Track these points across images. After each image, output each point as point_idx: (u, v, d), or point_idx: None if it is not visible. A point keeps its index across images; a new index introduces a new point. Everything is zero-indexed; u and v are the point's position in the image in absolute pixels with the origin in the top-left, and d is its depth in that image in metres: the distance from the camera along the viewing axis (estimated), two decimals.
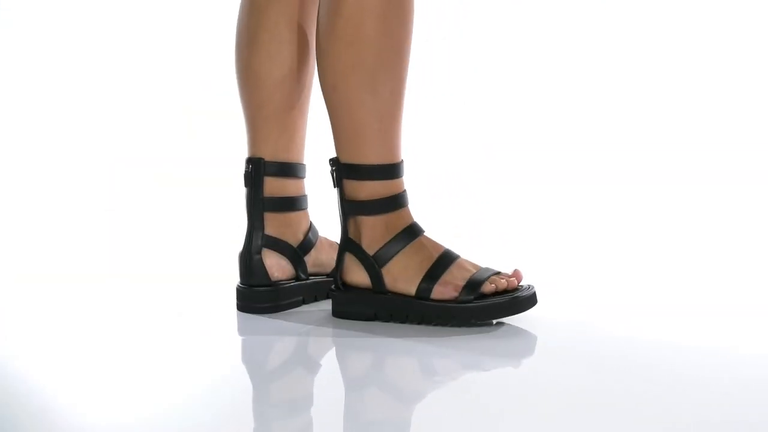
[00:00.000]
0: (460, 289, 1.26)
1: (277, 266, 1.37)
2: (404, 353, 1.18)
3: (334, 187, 1.32)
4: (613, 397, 1.01)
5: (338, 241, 1.35)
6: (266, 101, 1.38)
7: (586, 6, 2.77)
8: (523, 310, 1.26)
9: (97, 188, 2.53)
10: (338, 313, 1.33)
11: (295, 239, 1.39)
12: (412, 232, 1.30)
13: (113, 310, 1.44)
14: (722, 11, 2.69)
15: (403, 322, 1.29)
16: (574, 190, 2.40)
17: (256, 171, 1.37)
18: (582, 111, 2.72)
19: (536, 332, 1.27)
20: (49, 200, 2.44)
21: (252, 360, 1.21)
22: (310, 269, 1.41)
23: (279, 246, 1.37)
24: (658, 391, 1.01)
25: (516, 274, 1.29)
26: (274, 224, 1.38)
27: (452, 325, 1.26)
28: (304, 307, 1.39)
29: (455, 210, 2.24)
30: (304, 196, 1.42)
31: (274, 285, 1.37)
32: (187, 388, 1.08)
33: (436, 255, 1.29)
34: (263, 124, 1.38)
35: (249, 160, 1.39)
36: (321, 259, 1.42)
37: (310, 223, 1.43)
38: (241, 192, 1.41)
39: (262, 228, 1.37)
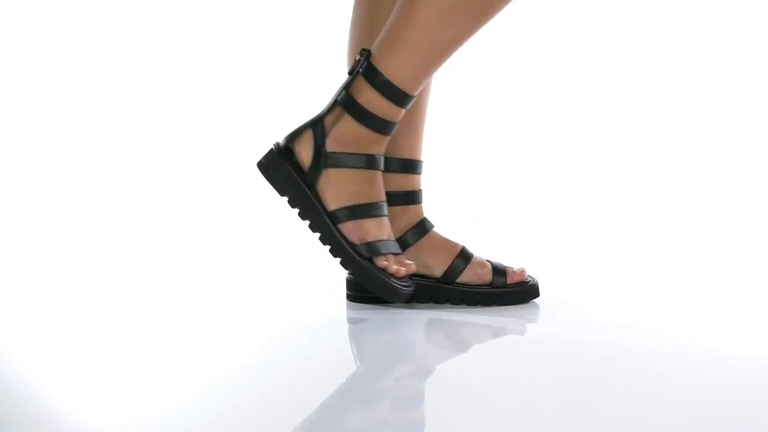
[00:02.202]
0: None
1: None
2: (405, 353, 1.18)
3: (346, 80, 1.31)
4: (614, 396, 1.01)
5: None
6: None
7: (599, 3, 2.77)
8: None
9: (97, 188, 2.53)
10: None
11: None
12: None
13: (113, 310, 1.44)
14: (722, 11, 2.69)
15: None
16: (576, 189, 2.40)
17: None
18: (591, 111, 2.72)
19: (537, 330, 1.27)
20: (48, 200, 2.43)
21: (261, 354, 1.21)
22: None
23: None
24: (661, 392, 1.01)
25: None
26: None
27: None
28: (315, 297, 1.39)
29: (459, 208, 2.24)
30: (407, 192, 1.38)
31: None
32: (187, 389, 1.07)
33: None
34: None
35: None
36: (426, 261, 1.37)
37: (419, 221, 1.39)
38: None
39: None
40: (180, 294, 1.53)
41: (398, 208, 1.37)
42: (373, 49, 1.29)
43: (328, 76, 2.74)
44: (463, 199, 2.35)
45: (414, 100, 1.30)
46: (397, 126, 1.31)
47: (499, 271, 1.36)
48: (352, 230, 1.30)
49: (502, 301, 1.35)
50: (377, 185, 1.32)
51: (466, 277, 1.36)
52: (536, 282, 1.38)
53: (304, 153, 1.32)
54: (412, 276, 1.35)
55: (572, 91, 2.76)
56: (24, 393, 1.06)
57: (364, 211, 1.31)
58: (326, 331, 1.30)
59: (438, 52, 1.27)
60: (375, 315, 1.33)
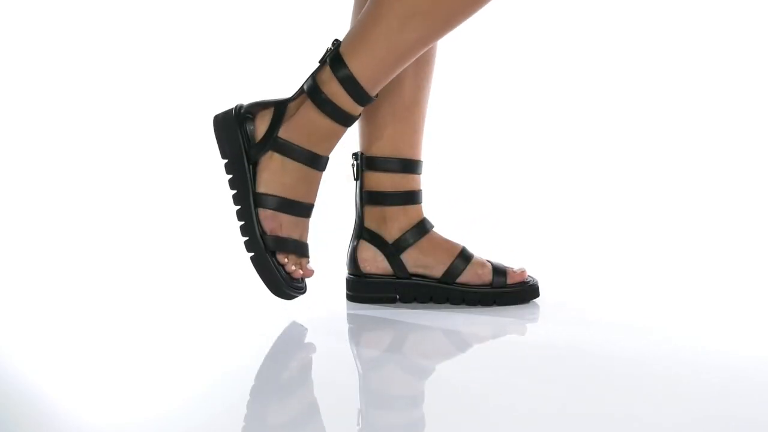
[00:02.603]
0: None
1: (371, 260, 1.37)
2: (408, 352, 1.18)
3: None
4: (614, 396, 1.01)
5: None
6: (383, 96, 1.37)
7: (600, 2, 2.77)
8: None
9: (97, 188, 2.53)
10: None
11: (389, 235, 1.38)
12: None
13: (113, 310, 1.44)
14: (722, 12, 2.69)
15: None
16: (576, 189, 2.40)
17: (358, 164, 1.38)
18: (591, 111, 2.72)
19: (537, 330, 1.27)
20: (48, 200, 2.43)
21: (264, 351, 1.21)
22: (413, 269, 1.37)
23: (376, 240, 1.38)
24: (662, 392, 1.01)
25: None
26: (372, 218, 1.38)
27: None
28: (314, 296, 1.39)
29: (459, 208, 2.24)
30: (407, 192, 1.38)
31: (364, 277, 1.38)
32: (187, 389, 1.08)
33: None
34: (373, 119, 1.38)
35: (353, 155, 1.40)
36: (424, 262, 1.37)
37: (419, 221, 1.39)
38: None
39: (362, 219, 1.39)
40: (180, 294, 1.53)
41: (398, 208, 1.37)
42: (342, 41, 1.29)
43: None
44: (464, 200, 2.35)
45: (372, 101, 1.29)
46: (355, 120, 1.30)
47: (499, 271, 1.37)
48: (269, 219, 1.31)
49: (502, 301, 1.35)
50: (313, 186, 1.33)
51: (466, 277, 1.36)
52: (536, 282, 1.38)
53: (260, 127, 1.32)
54: (413, 275, 1.36)
55: (572, 91, 2.76)
56: (24, 393, 1.06)
57: (288, 206, 1.31)
58: (326, 330, 1.30)
59: (398, 55, 1.26)
60: (375, 315, 1.34)
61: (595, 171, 2.53)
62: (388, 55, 1.26)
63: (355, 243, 1.38)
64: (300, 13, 2.86)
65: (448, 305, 1.35)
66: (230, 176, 1.32)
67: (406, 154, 1.38)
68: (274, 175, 1.31)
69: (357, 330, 1.31)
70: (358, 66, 1.26)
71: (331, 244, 1.70)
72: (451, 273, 1.35)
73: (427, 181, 1.43)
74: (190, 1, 2.91)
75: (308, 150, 1.30)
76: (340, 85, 1.27)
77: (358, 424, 0.96)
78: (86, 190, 2.50)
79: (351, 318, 1.34)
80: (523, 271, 1.38)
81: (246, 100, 1.35)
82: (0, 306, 1.50)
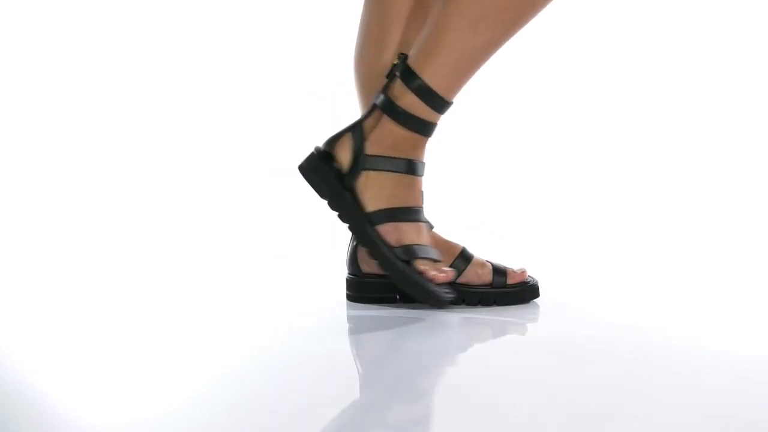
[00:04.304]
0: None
1: (369, 261, 1.36)
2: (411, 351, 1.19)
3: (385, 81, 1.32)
4: (614, 396, 1.01)
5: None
6: (372, 91, 1.37)
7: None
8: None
9: (97, 188, 2.53)
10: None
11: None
12: (410, 165, 1.34)
13: (113, 310, 1.44)
14: (722, 12, 2.69)
15: (336, 213, 1.34)
16: (576, 189, 2.40)
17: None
18: (591, 112, 2.72)
19: (537, 330, 1.27)
20: (48, 200, 2.44)
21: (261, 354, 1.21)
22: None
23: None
24: (662, 392, 1.02)
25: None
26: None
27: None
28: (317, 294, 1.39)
29: (459, 209, 2.24)
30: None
31: (364, 277, 1.37)
32: (187, 389, 1.08)
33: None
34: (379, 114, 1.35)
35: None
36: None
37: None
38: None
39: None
40: (180, 294, 1.53)
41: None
42: (410, 54, 1.31)
43: (328, 76, 2.74)
44: (463, 201, 2.35)
45: (451, 105, 1.31)
46: (436, 128, 1.32)
47: (499, 271, 1.37)
48: (390, 232, 1.31)
49: (502, 301, 1.35)
50: (416, 190, 1.34)
51: (467, 277, 1.36)
52: (536, 282, 1.38)
53: (344, 156, 1.34)
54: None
55: (572, 92, 2.76)
56: (24, 393, 1.06)
57: (402, 214, 1.32)
58: (326, 331, 1.30)
59: (471, 58, 1.28)
60: (375, 315, 1.34)
61: (595, 171, 2.53)
62: (461, 59, 1.28)
63: (354, 243, 1.38)
64: (300, 14, 2.86)
65: (448, 306, 1.35)
66: (337, 212, 1.33)
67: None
68: (376, 190, 1.32)
69: (357, 330, 1.31)
70: (431, 74, 1.28)
71: (331, 245, 1.71)
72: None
73: (427, 183, 1.44)
74: (190, 1, 2.91)
75: (401, 158, 1.32)
76: (415, 96, 1.29)
77: (359, 424, 0.96)
78: (86, 190, 2.50)
79: (351, 319, 1.34)
80: (523, 272, 1.38)
81: (318, 141, 1.37)
82: (0, 306, 1.50)
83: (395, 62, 1.32)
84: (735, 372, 1.08)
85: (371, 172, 1.32)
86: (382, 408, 1.03)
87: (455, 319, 1.31)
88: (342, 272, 1.42)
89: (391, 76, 1.32)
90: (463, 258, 1.36)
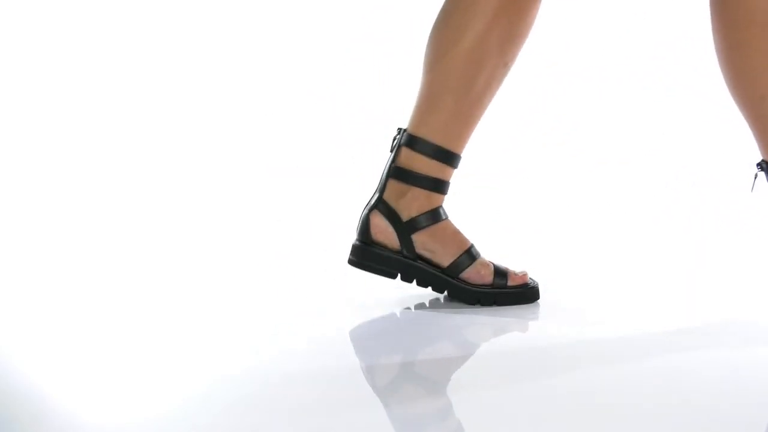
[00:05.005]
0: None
1: (381, 229, 1.38)
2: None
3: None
4: (614, 397, 1.01)
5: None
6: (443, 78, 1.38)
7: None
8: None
9: (97, 188, 2.53)
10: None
11: (406, 213, 1.38)
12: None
13: (113, 310, 1.44)
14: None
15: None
16: (575, 189, 2.40)
17: (399, 139, 1.39)
18: (590, 113, 2.72)
19: (537, 330, 1.27)
20: (48, 200, 2.43)
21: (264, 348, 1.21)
22: (421, 251, 1.37)
23: (391, 215, 1.38)
24: (662, 391, 1.02)
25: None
26: (393, 192, 1.38)
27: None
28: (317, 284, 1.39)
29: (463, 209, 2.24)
30: (437, 179, 1.38)
31: (372, 245, 1.38)
32: (187, 389, 1.07)
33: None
34: (434, 102, 1.38)
35: (398, 129, 1.41)
36: (433, 247, 1.38)
37: (436, 208, 1.38)
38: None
39: (383, 192, 1.38)
40: (180, 294, 1.53)
41: (422, 191, 1.37)
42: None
43: (328, 76, 2.74)
44: (468, 202, 2.35)
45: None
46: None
47: (500, 272, 1.37)
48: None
49: (501, 301, 1.36)
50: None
51: (469, 274, 1.36)
52: (537, 285, 1.38)
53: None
54: (419, 258, 1.37)
55: (572, 92, 2.76)
56: (24, 393, 1.06)
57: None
58: (326, 331, 1.30)
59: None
60: (375, 315, 1.34)
61: (595, 172, 2.52)
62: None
63: (369, 211, 1.39)
64: (300, 14, 2.86)
65: (448, 306, 1.35)
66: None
67: (451, 146, 1.37)
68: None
69: (357, 330, 1.31)
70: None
71: (331, 244, 1.70)
72: (457, 266, 1.36)
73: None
74: (190, 1, 2.91)
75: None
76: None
77: (359, 424, 0.96)
78: (86, 190, 2.50)
79: (351, 319, 1.34)
80: (524, 274, 1.39)
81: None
82: (0, 306, 1.50)
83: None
84: (735, 372, 1.08)
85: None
86: (383, 408, 1.03)
87: (456, 318, 1.31)
88: (342, 273, 1.42)
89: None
90: (470, 254, 1.37)
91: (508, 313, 1.33)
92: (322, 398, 1.04)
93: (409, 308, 1.36)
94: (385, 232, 1.37)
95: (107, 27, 2.87)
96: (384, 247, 1.37)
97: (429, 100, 1.36)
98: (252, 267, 1.70)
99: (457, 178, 1.41)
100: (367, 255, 1.38)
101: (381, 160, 1.43)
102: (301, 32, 2.86)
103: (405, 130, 1.38)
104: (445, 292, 1.38)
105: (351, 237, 1.41)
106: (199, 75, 2.87)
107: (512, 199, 2.38)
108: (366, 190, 1.44)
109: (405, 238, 1.37)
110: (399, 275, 1.37)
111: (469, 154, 1.41)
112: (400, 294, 1.41)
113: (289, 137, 2.75)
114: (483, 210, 2.29)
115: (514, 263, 1.41)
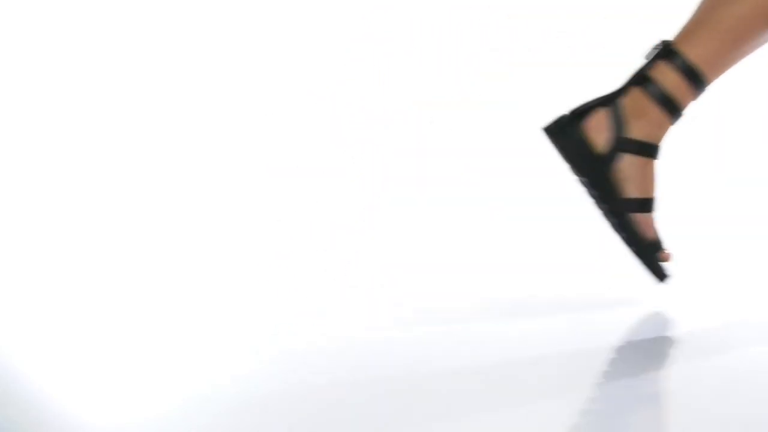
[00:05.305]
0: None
1: (596, 127, 1.31)
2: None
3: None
4: (615, 397, 1.01)
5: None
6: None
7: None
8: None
9: (97, 188, 2.53)
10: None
11: (636, 132, 1.31)
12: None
13: (113, 310, 1.44)
14: None
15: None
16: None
17: (659, 51, 1.31)
18: None
19: (538, 330, 1.27)
20: (48, 200, 2.43)
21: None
22: (615, 174, 1.31)
23: (617, 124, 1.31)
24: (662, 391, 1.01)
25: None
26: (633, 103, 1.31)
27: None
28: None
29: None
30: (679, 106, 1.31)
31: (578, 125, 1.31)
32: (187, 389, 1.07)
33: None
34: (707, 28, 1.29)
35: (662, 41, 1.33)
36: (630, 174, 1.31)
37: (658, 143, 1.32)
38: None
39: (619, 96, 1.31)
40: (180, 294, 1.53)
41: (662, 114, 1.31)
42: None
43: (329, 76, 2.74)
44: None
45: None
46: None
47: (659, 243, 1.34)
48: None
49: (640, 254, 1.34)
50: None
51: (639, 218, 1.32)
52: (669, 274, 1.36)
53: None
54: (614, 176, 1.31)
55: (572, 93, 2.76)
56: (24, 393, 1.06)
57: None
58: (326, 331, 1.30)
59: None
60: (375, 315, 1.33)
61: None
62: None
63: (595, 105, 1.32)
64: (300, 14, 2.86)
65: (449, 306, 1.34)
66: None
67: (659, 142, 1.32)
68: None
69: (357, 331, 1.31)
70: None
71: (331, 245, 1.70)
72: (640, 204, 1.32)
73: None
74: (190, 1, 2.91)
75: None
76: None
77: (359, 425, 0.96)
78: (85, 190, 2.50)
79: (352, 319, 1.34)
80: (671, 255, 1.36)
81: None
82: (0, 306, 1.50)
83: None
84: (735, 372, 1.08)
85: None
86: (383, 408, 1.03)
87: (458, 320, 1.31)
88: (342, 273, 1.42)
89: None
90: (650, 203, 1.32)
91: (509, 313, 1.33)
92: (322, 399, 1.04)
93: (409, 308, 1.36)
94: (596, 129, 1.31)
95: (107, 27, 2.86)
96: (587, 140, 1.31)
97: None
98: (252, 267, 1.70)
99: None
100: (570, 132, 1.31)
101: (381, 160, 1.42)
102: (301, 32, 2.85)
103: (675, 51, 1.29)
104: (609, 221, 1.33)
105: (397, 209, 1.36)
106: (198, 75, 2.86)
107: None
108: (366, 190, 1.44)
109: (614, 152, 1.30)
110: (586, 178, 1.31)
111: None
112: (400, 294, 1.41)
113: (289, 137, 2.75)
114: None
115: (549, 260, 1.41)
